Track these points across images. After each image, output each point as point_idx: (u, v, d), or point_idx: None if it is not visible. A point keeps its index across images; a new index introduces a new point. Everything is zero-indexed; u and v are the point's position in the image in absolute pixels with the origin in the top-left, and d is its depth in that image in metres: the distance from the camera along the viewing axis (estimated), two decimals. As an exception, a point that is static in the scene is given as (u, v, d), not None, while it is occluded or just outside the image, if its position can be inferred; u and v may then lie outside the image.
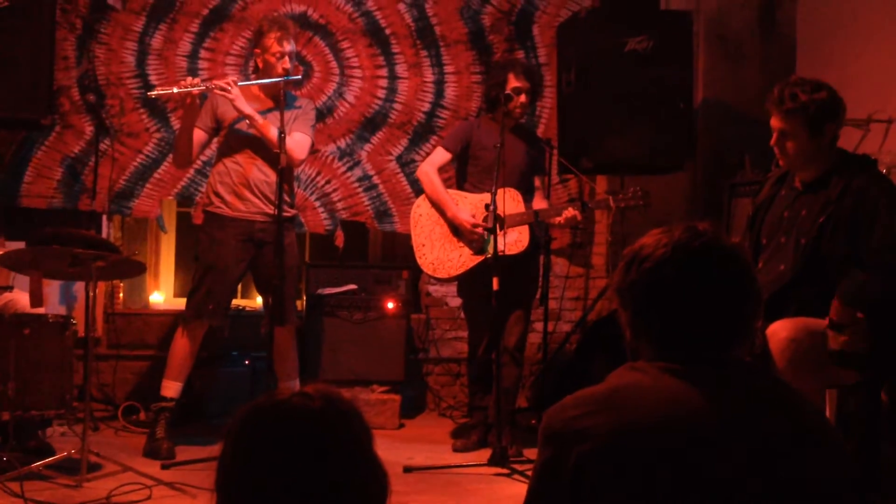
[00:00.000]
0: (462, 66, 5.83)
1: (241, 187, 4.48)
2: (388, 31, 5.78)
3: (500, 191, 4.31)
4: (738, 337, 1.61)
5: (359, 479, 1.38)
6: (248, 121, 4.39)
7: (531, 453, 4.33)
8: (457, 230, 4.64)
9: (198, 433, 4.71)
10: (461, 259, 4.62)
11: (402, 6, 5.78)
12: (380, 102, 5.77)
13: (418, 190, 4.90)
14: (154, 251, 6.13)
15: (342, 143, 5.75)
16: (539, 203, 4.76)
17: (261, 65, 4.53)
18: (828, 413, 3.24)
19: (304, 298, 5.49)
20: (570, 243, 5.95)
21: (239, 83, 4.40)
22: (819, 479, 1.53)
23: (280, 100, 4.29)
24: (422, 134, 5.80)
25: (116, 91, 5.53)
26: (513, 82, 4.63)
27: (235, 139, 4.51)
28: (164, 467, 4.07)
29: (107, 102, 5.52)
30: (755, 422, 1.53)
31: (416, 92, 5.80)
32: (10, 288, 4.35)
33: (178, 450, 4.31)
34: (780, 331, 3.11)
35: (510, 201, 4.52)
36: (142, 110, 5.56)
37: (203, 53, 5.62)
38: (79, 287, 5.17)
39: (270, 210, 4.44)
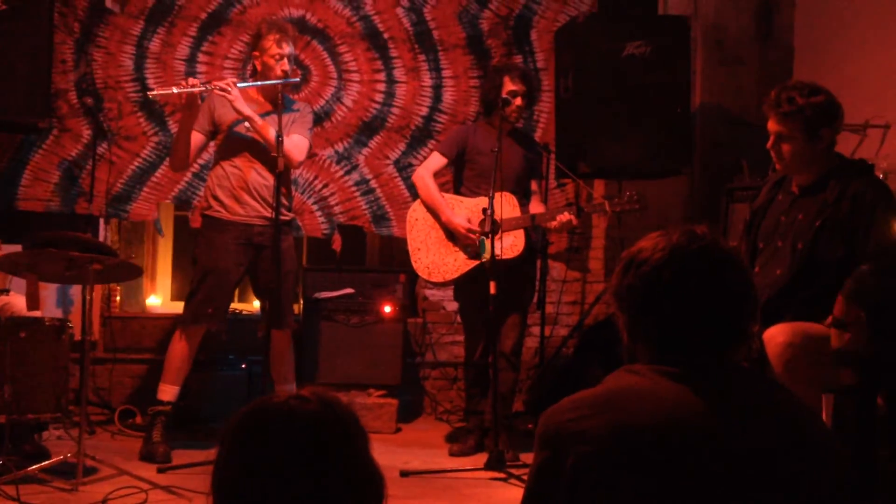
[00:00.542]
0: (460, 71, 5.83)
1: (240, 191, 4.48)
2: (386, 36, 5.78)
3: (496, 195, 4.31)
4: (735, 340, 1.62)
5: (355, 482, 1.38)
6: (246, 123, 4.39)
7: (528, 457, 4.33)
8: (452, 235, 4.64)
9: (194, 437, 4.71)
10: (456, 264, 4.62)
11: (400, 10, 5.78)
12: (378, 106, 5.78)
13: (416, 194, 4.90)
14: (151, 254, 6.13)
15: (340, 147, 5.75)
16: (536, 207, 4.76)
17: (259, 67, 4.53)
18: (824, 417, 3.24)
19: (302, 302, 5.48)
20: (568, 247, 5.95)
21: (238, 85, 4.40)
22: (816, 483, 1.53)
23: (278, 103, 4.29)
24: (419, 138, 5.80)
25: (114, 95, 5.53)
26: (508, 86, 4.64)
27: (234, 142, 4.51)
28: (160, 471, 4.06)
29: (104, 106, 5.52)
30: (752, 425, 1.53)
31: (413, 96, 5.80)
32: (6, 291, 4.34)
33: (174, 453, 4.31)
34: (776, 335, 3.11)
35: (506, 206, 4.52)
36: (139, 114, 5.56)
37: (201, 57, 5.62)
38: (75, 290, 5.16)
39: (269, 214, 4.43)
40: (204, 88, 4.33)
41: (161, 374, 4.49)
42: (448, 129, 5.62)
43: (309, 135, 4.59)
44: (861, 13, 5.20)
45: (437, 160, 4.78)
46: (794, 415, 1.59)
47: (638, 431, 1.50)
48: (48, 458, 3.89)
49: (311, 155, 5.16)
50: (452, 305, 5.64)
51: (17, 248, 4.18)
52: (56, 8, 5.17)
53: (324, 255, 5.98)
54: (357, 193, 5.77)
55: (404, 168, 5.76)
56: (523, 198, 4.72)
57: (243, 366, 5.35)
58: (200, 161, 5.20)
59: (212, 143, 4.65)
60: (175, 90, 4.30)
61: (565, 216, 4.54)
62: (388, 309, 5.39)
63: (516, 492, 3.81)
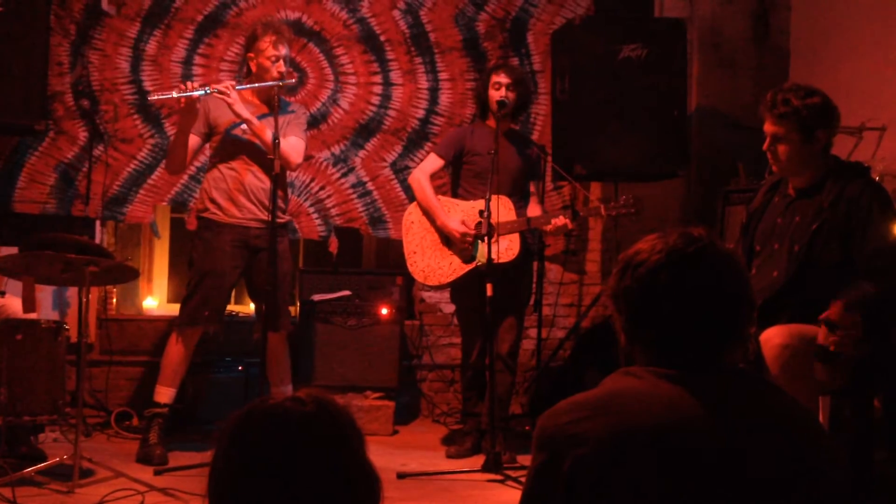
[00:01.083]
0: (456, 73, 5.83)
1: (237, 193, 4.48)
2: (382, 38, 5.78)
3: (492, 198, 4.31)
4: (733, 342, 1.62)
5: (351, 484, 1.38)
6: (243, 126, 4.39)
7: (525, 459, 4.33)
8: (447, 239, 4.64)
9: (191, 439, 4.70)
10: (451, 267, 4.63)
11: (396, 13, 5.79)
12: (374, 109, 5.78)
13: (412, 196, 4.90)
14: (147, 257, 6.13)
15: (336, 150, 5.75)
16: (533, 209, 4.77)
17: (254, 68, 4.53)
18: (821, 419, 3.25)
19: (298, 304, 5.48)
20: (564, 250, 5.95)
21: (236, 87, 4.40)
22: (814, 485, 1.53)
23: (274, 105, 4.29)
24: (416, 141, 5.80)
25: (110, 97, 5.52)
26: (494, 79, 4.65)
27: (230, 145, 4.50)
28: (156, 473, 4.06)
29: (101, 108, 5.51)
30: (750, 427, 1.53)
31: (410, 99, 5.80)
32: (2, 293, 4.33)
33: (170, 456, 4.31)
34: (773, 337, 3.11)
35: (502, 209, 4.52)
36: (136, 116, 5.56)
37: (197, 59, 5.61)
38: (72, 293, 5.15)
39: (265, 216, 4.44)
40: (203, 92, 4.33)
41: (157, 377, 4.49)
42: (445, 132, 5.62)
43: (305, 136, 4.59)
44: (857, 16, 5.21)
45: (433, 162, 4.79)
46: (792, 417, 1.59)
47: (636, 434, 1.50)
48: (44, 460, 3.88)
49: (307, 157, 5.15)
50: (449, 308, 5.64)
51: (14, 250, 4.17)
52: (52, 10, 5.17)
53: (320, 258, 5.98)
54: (353, 196, 5.77)
55: (401, 170, 5.76)
56: (520, 200, 4.72)
57: (240, 368, 5.34)
58: (196, 163, 5.20)
59: (207, 146, 4.65)
60: (175, 94, 4.29)
61: (561, 220, 4.54)
62: (384, 311, 5.39)
63: (513, 494, 3.81)
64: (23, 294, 3.96)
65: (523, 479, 1.63)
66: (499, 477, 4.10)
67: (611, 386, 1.60)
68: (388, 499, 1.44)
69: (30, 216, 5.42)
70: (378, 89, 5.78)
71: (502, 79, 4.65)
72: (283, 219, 4.54)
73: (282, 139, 4.26)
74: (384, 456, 4.45)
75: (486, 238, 4.26)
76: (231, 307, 5.82)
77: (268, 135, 4.29)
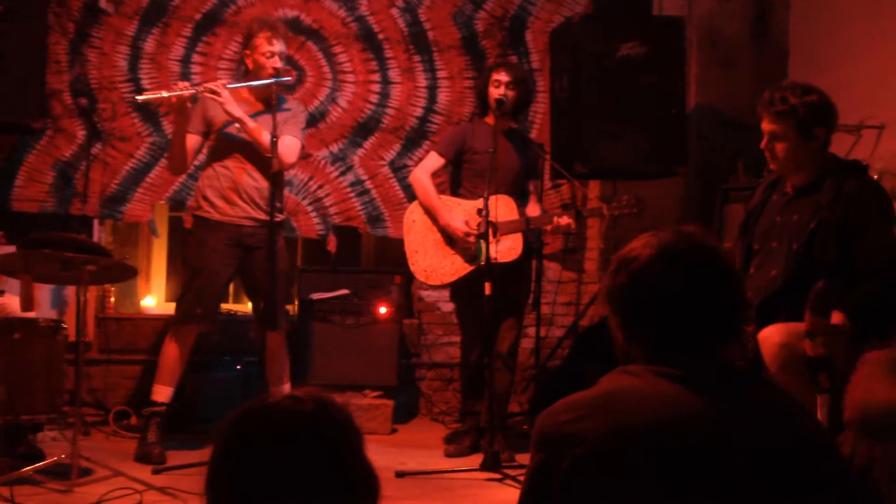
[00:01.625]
0: (455, 72, 5.83)
1: (231, 192, 4.46)
2: (381, 36, 5.78)
3: (493, 198, 4.31)
4: (727, 337, 1.62)
5: (349, 482, 1.38)
6: (238, 124, 4.38)
7: (523, 458, 4.33)
8: (450, 238, 4.63)
9: (189, 438, 4.69)
10: (454, 267, 4.62)
11: (395, 11, 5.78)
12: (372, 107, 5.77)
13: (411, 195, 4.89)
14: (146, 255, 6.12)
15: (335, 148, 5.75)
16: (532, 208, 4.76)
17: (251, 66, 4.52)
18: (819, 417, 3.25)
19: (297, 303, 5.48)
20: (563, 248, 5.95)
21: (228, 86, 4.38)
22: (813, 483, 1.53)
23: (271, 103, 4.27)
24: (414, 139, 5.79)
25: (109, 95, 5.52)
26: (494, 77, 4.65)
27: (225, 143, 4.49)
28: (155, 472, 4.05)
29: (99, 106, 5.51)
30: (749, 425, 1.53)
31: (408, 97, 5.80)
32: (1, 292, 4.34)
33: (169, 454, 4.30)
34: (771, 335, 3.12)
35: (504, 208, 4.52)
36: (134, 114, 5.55)
37: (196, 58, 5.61)
38: (70, 291, 5.15)
39: (259, 215, 4.43)
40: (193, 91, 4.32)
41: (155, 376, 4.49)
42: (443, 130, 5.61)
43: (302, 134, 4.57)
44: (855, 15, 5.21)
45: (434, 160, 4.78)
46: (791, 415, 1.59)
47: (634, 432, 1.50)
48: (43, 459, 3.88)
49: (305, 156, 5.15)
50: (448, 306, 5.64)
51: (12, 248, 4.17)
52: (50, 8, 5.16)
53: (319, 257, 5.97)
54: (352, 194, 5.76)
55: (399, 169, 5.76)
56: (520, 198, 4.72)
57: (238, 367, 5.34)
58: (196, 162, 5.19)
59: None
60: (165, 94, 4.28)
61: (564, 220, 4.53)
62: (383, 310, 5.39)
63: (512, 493, 3.81)
64: (21, 293, 3.96)
65: (522, 478, 1.63)
66: (497, 476, 4.10)
67: (609, 385, 1.60)
68: (387, 497, 1.44)
69: (28, 215, 5.42)
70: (376, 88, 5.78)
71: (502, 77, 4.64)
72: (278, 217, 4.54)
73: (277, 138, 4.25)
74: (383, 455, 4.45)
75: (486, 236, 4.26)
76: (229, 306, 5.82)
77: (262, 135, 4.28)
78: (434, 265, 4.65)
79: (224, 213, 4.46)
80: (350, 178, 5.76)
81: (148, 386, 4.57)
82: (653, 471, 1.48)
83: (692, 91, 5.72)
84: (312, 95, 5.71)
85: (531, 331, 5.43)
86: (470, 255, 4.58)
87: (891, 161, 4.52)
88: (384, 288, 5.50)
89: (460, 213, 4.66)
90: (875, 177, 3.89)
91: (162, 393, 4.43)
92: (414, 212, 4.76)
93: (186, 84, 4.36)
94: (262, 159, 4.30)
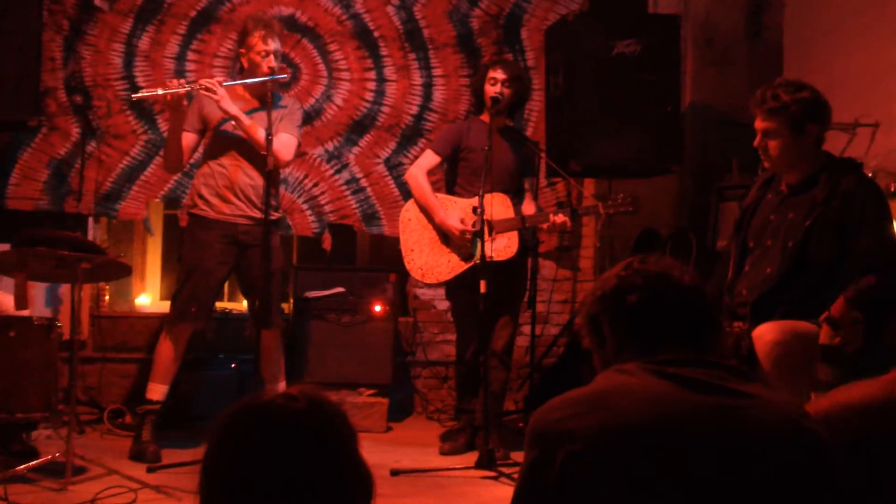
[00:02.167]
0: (450, 69, 5.83)
1: (226, 190, 4.46)
2: (376, 34, 5.77)
3: (489, 196, 4.31)
4: (709, 334, 1.68)
5: (343, 480, 1.38)
6: (233, 122, 4.37)
7: (518, 456, 4.33)
8: (446, 236, 4.63)
9: (184, 436, 4.67)
10: (450, 265, 4.62)
11: (390, 9, 5.78)
12: (368, 105, 5.77)
13: (406, 193, 4.89)
14: (140, 253, 6.10)
15: (330, 146, 5.74)
16: (528, 206, 4.76)
17: (246, 64, 4.51)
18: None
19: (292, 301, 5.47)
20: (558, 246, 5.95)
21: (224, 83, 4.38)
22: (808, 480, 1.53)
23: (267, 100, 4.26)
24: (410, 137, 5.79)
25: (103, 93, 5.51)
26: (490, 74, 4.65)
27: (221, 141, 4.48)
28: (149, 470, 4.04)
29: (94, 104, 5.50)
30: (741, 423, 1.53)
31: (404, 95, 5.79)
32: (-5, 290, 4.33)
33: (164, 453, 4.29)
34: (766, 333, 3.12)
35: (499, 206, 4.52)
36: (129, 112, 5.54)
37: (190, 55, 5.60)
38: (64, 289, 5.14)
39: (254, 213, 4.43)
40: (189, 88, 4.31)
41: (150, 374, 4.48)
42: (439, 128, 5.61)
43: (297, 132, 4.56)
44: (850, 12, 5.21)
45: (430, 158, 4.77)
46: (785, 413, 1.59)
47: (627, 430, 1.50)
48: (37, 457, 3.87)
49: (300, 154, 5.14)
50: (443, 304, 5.64)
51: (6, 246, 4.16)
52: (45, 5, 5.15)
53: (314, 255, 5.97)
54: (347, 192, 5.76)
55: (394, 167, 5.76)
56: (515, 196, 4.71)
57: (233, 365, 5.33)
58: (191, 160, 5.18)
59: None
60: (160, 91, 4.27)
61: (560, 218, 4.52)
62: (378, 308, 5.39)
63: (507, 490, 3.81)
64: (15, 291, 3.95)
65: (517, 476, 1.63)
66: (492, 473, 4.10)
67: (603, 383, 1.61)
68: (382, 496, 1.44)
69: (22, 212, 5.41)
70: (372, 85, 5.77)
71: (498, 74, 4.64)
72: (273, 215, 4.53)
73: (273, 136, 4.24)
74: (378, 453, 4.45)
75: (480, 234, 4.25)
76: (224, 304, 5.81)
77: (258, 132, 4.28)
78: (430, 263, 4.64)
79: (219, 210, 4.46)
80: (345, 175, 5.75)
81: (142, 384, 4.56)
82: (645, 468, 1.48)
83: (687, 89, 5.72)
84: (308, 93, 5.70)
85: (526, 329, 5.44)
86: (466, 253, 4.58)
87: (885, 159, 4.53)
88: (379, 286, 5.50)
89: (456, 211, 4.65)
90: (869, 175, 3.90)
91: (157, 391, 4.43)
92: (409, 210, 4.75)
93: (182, 81, 4.35)
94: (258, 157, 4.29)
